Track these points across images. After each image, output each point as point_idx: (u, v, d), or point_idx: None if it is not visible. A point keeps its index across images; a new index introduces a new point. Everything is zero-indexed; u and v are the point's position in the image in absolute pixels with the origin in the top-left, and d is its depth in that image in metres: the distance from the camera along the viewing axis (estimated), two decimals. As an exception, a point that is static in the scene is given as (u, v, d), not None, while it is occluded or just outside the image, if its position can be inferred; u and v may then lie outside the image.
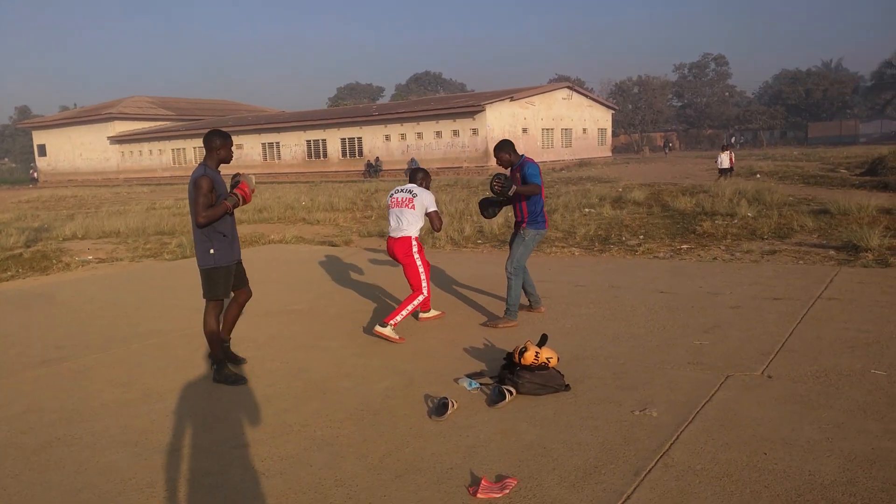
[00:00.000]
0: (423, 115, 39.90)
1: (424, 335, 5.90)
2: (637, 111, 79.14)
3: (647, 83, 79.63)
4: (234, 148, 4.99)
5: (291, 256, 10.71)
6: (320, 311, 7.03)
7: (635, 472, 3.20)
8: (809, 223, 11.12)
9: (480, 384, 4.52)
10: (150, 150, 53.49)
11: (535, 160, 6.10)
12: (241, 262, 5.11)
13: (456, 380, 4.64)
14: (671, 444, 3.49)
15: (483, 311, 6.62)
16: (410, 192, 5.95)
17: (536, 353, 4.39)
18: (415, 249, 5.91)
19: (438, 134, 39.36)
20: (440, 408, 4.06)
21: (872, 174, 20.70)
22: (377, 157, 41.68)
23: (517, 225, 6.19)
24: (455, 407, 4.08)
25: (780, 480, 3.07)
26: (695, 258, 9.21)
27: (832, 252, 8.98)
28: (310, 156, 45.39)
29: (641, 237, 11.05)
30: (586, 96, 48.48)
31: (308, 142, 45.23)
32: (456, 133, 38.73)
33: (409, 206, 5.90)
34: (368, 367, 5.08)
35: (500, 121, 38.22)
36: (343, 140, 43.70)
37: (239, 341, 5.95)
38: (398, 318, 5.77)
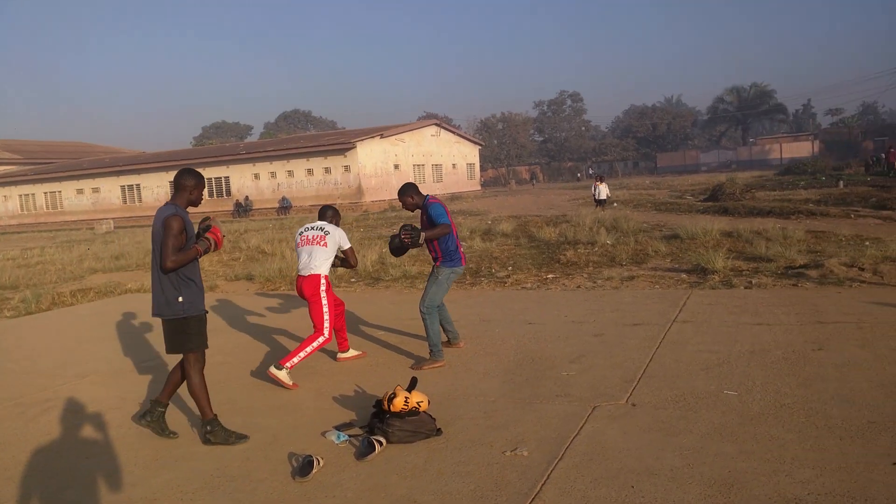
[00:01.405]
0: (293, 153, 39.21)
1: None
2: (502, 146, 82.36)
3: (510, 119, 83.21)
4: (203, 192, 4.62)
5: (148, 307, 9.92)
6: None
7: (507, 519, 3.11)
8: (662, 248, 11.84)
9: (349, 436, 4.29)
10: (-6, 196, 48.86)
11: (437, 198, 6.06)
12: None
13: (324, 433, 4.38)
14: (542, 484, 3.43)
15: (366, 352, 6.38)
16: (322, 229, 5.80)
17: (406, 398, 4.24)
18: (322, 288, 5.69)
19: (310, 171, 38.78)
20: (304, 466, 3.79)
21: (714, 200, 22.62)
22: (246, 197, 40.34)
23: (434, 263, 6.04)
24: (321, 465, 3.82)
25: (646, 512, 3.08)
26: (560, 287, 9.48)
27: (684, 275, 9.56)
28: (173, 197, 43.12)
29: (510, 268, 11.27)
30: (454, 133, 49.80)
31: (171, 183, 42.84)
32: (328, 170, 38.33)
33: (321, 243, 5.74)
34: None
35: (371, 157, 38.29)
36: (210, 180, 41.93)
37: (85, 403, 5.37)
38: (295, 359, 5.53)
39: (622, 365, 5.41)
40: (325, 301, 5.70)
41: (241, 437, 4.41)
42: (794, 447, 3.66)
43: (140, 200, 43.95)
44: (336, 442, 4.22)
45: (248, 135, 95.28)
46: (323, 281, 5.70)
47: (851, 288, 7.81)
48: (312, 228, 5.87)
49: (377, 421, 4.27)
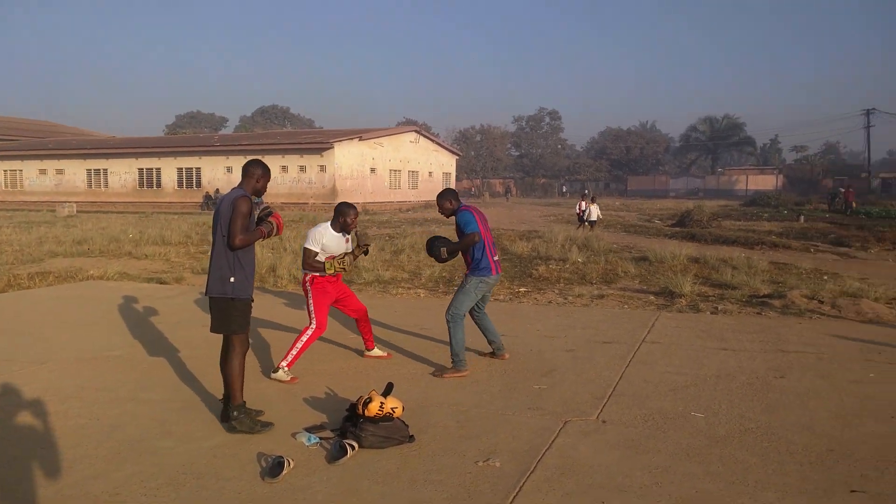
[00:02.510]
0: (268, 149, 38.82)
1: (259, 384, 5.51)
2: (479, 158, 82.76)
3: (488, 132, 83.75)
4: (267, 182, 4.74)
5: (112, 295, 9.73)
6: (142, 358, 6.38)
7: (479, 529, 3.13)
8: (632, 269, 12.02)
9: (321, 438, 4.26)
10: (-50, 174, 47.35)
11: (468, 207, 6.03)
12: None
13: (294, 434, 4.35)
14: (514, 496, 3.46)
15: (306, 358, 6.35)
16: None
17: (381, 403, 4.23)
18: (307, 285, 5.81)
19: (284, 168, 38.45)
20: (274, 467, 3.75)
21: (682, 225, 23.08)
22: (217, 189, 39.78)
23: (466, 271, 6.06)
24: (291, 466, 3.79)
25: (615, 529, 3.13)
26: (532, 301, 9.56)
27: (652, 297, 9.72)
28: (142, 185, 42.40)
29: (483, 280, 11.31)
30: (432, 141, 49.90)
31: (140, 170, 42.28)
32: (303, 168, 38.06)
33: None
34: (196, 422, 4.63)
35: (348, 159, 38.14)
36: (180, 170, 41.34)
37: (43, 391, 5.23)
38: (289, 357, 5.63)
39: (593, 381, 5.49)
40: (308, 295, 5.81)
41: (266, 426, 4.43)
42: (757, 471, 3.76)
43: (107, 185, 43.07)
44: (307, 444, 4.19)
45: (223, 127, 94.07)
46: (307, 278, 5.80)
47: (812, 319, 8.04)
48: None
49: (350, 424, 4.25)
